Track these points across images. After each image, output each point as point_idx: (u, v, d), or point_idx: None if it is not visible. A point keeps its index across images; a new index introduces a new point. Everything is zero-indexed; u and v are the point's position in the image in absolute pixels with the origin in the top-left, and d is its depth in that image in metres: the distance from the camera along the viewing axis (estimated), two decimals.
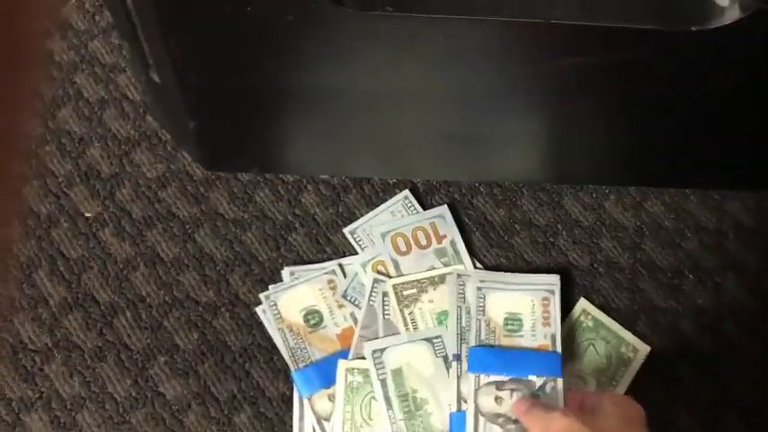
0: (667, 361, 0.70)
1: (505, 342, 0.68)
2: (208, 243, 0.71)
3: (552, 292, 0.70)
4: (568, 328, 0.70)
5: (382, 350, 0.66)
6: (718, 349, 0.71)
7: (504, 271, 0.72)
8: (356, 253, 0.71)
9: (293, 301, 0.68)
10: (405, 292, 0.69)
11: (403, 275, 0.69)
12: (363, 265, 0.70)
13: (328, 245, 0.72)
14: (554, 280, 0.70)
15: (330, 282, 0.69)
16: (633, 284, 0.73)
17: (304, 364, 0.66)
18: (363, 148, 0.67)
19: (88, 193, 0.72)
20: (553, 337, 0.68)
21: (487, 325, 0.68)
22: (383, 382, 0.65)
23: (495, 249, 0.73)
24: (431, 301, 0.69)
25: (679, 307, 0.72)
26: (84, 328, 0.67)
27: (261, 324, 0.68)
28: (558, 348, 0.68)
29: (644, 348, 0.70)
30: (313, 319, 0.68)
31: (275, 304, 0.68)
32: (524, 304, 0.69)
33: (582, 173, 0.75)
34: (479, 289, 0.69)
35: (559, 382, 0.66)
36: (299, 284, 0.69)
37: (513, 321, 0.69)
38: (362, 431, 0.64)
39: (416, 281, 0.69)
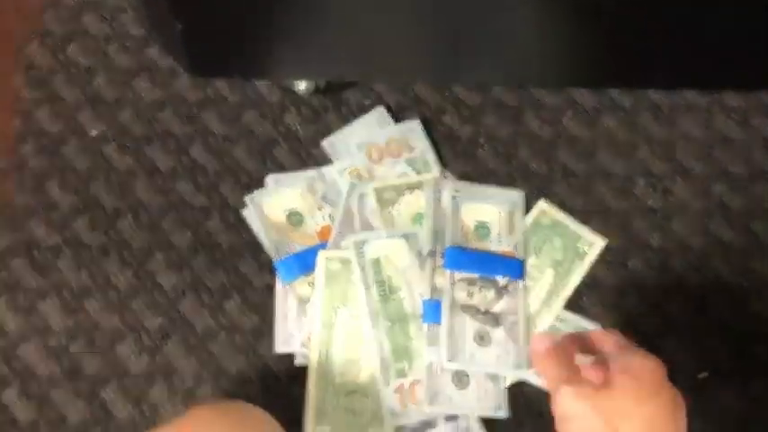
0: (619, 254, 0.77)
1: (475, 245, 0.75)
2: (200, 156, 0.79)
3: (516, 206, 0.77)
4: (528, 226, 0.77)
5: (363, 242, 0.73)
6: (666, 243, 0.78)
7: (471, 180, 0.79)
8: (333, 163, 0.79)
9: (276, 203, 0.76)
10: (384, 195, 0.76)
11: (383, 180, 0.77)
12: (340, 173, 0.77)
13: (309, 158, 0.79)
14: (518, 197, 0.78)
15: (310, 187, 0.77)
16: (587, 189, 0.80)
17: (286, 255, 0.73)
18: (340, 49, 0.73)
19: (94, 116, 0.80)
20: (516, 246, 0.75)
21: (461, 229, 0.75)
22: (363, 270, 0.72)
23: (462, 160, 0.80)
24: (408, 204, 0.76)
25: (630, 208, 0.79)
26: (91, 229, 0.75)
27: (247, 226, 0.76)
28: (521, 255, 0.75)
29: (599, 242, 0.77)
30: (295, 218, 0.75)
31: (260, 205, 0.75)
32: (492, 214, 0.76)
33: (556, 73, 0.80)
34: (454, 198, 0.76)
35: (520, 284, 0.73)
36: (281, 189, 0.77)
37: (482, 228, 0.76)
38: (339, 311, 0.71)
39: (395, 186, 0.76)
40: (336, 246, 0.74)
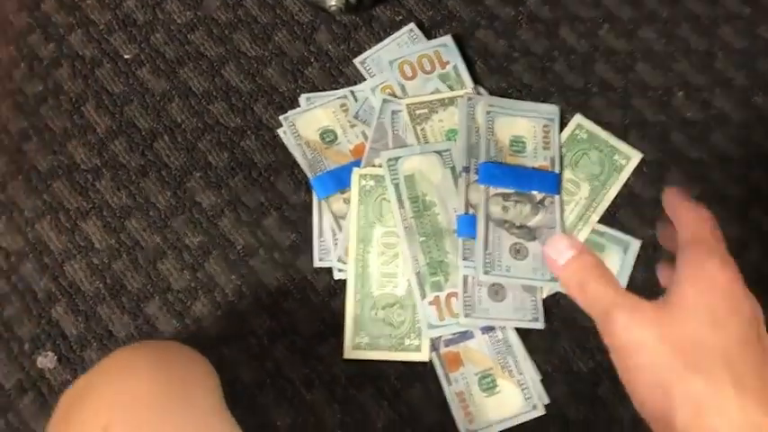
0: (656, 168, 0.76)
1: (510, 160, 0.75)
2: (233, 77, 0.79)
3: (552, 121, 0.76)
4: (564, 140, 0.76)
5: (396, 159, 0.73)
6: (705, 156, 0.76)
7: (505, 95, 0.79)
8: (366, 80, 0.78)
9: (310, 122, 0.76)
10: (417, 111, 0.76)
11: (415, 96, 0.76)
12: (373, 90, 0.77)
13: (341, 76, 0.79)
14: (554, 111, 0.77)
15: (343, 105, 0.77)
16: (625, 102, 0.79)
17: (321, 172, 0.74)
18: None
19: (126, 38, 0.80)
20: (552, 160, 0.75)
21: (495, 144, 0.74)
22: (396, 186, 0.72)
23: (496, 75, 0.79)
24: (440, 121, 0.76)
25: (668, 120, 0.78)
26: (129, 150, 0.76)
27: (283, 145, 0.76)
28: (557, 169, 0.74)
29: (636, 155, 0.76)
30: (328, 137, 0.75)
31: (294, 125, 0.76)
32: (527, 129, 0.76)
33: None
34: (488, 113, 0.75)
35: (556, 198, 0.73)
36: (314, 108, 0.77)
37: (518, 143, 0.75)
38: (374, 226, 0.72)
39: (428, 101, 0.76)
40: (370, 163, 0.74)
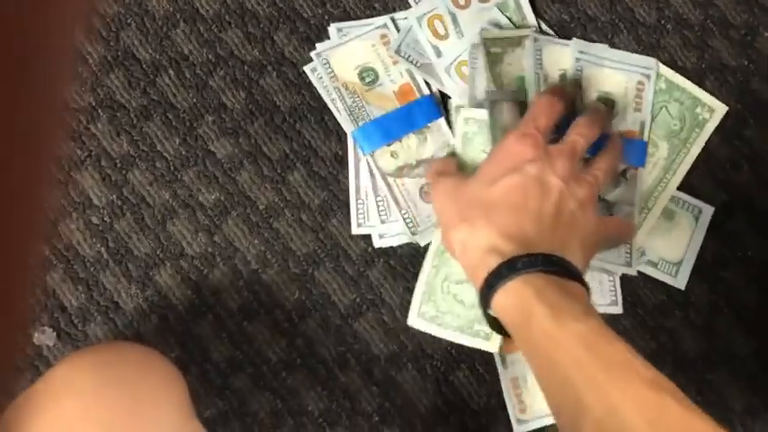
0: (735, 122, 0.67)
1: None
2: None
3: (648, 77, 0.65)
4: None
5: (494, 103, 0.61)
6: None
7: (566, 30, 0.67)
8: (408, 7, 0.66)
9: (346, 58, 0.64)
10: (492, 49, 0.64)
11: (489, 31, 0.64)
12: (419, 20, 0.65)
13: (378, 1, 0.67)
14: (651, 64, 0.65)
15: (383, 37, 0.65)
16: (702, 42, 0.68)
17: (363, 122, 0.63)
18: None
19: None
20: (642, 125, 0.64)
21: (580, 100, 0.63)
22: (503, 132, 0.60)
23: (558, 5, 0.68)
24: (509, 64, 0.64)
25: (751, 66, 0.68)
26: (127, 86, 0.64)
27: (309, 84, 0.65)
28: (646, 137, 0.64)
29: (720, 108, 0.66)
30: (368, 76, 0.64)
31: (328, 62, 0.64)
32: (619, 85, 0.64)
33: None
34: (578, 60, 0.64)
35: (641, 171, 0.63)
36: (350, 41, 0.65)
37: (605, 101, 0.64)
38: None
39: (500, 38, 0.64)
40: (473, 101, 0.62)
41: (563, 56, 0.65)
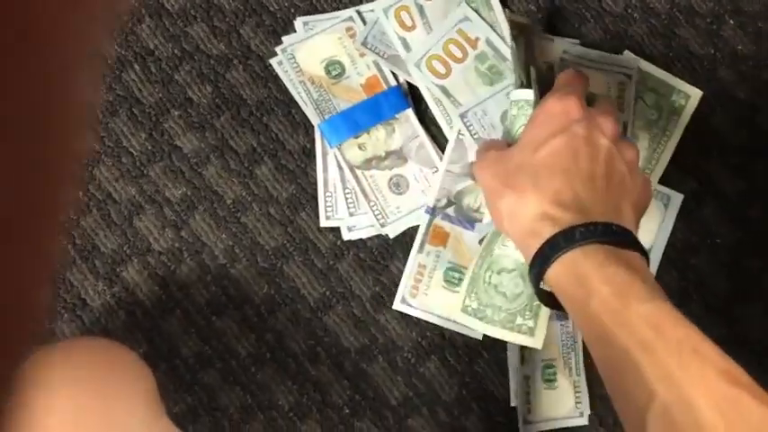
0: (702, 109, 0.67)
1: None
2: None
3: (629, 77, 0.65)
4: None
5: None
6: (756, 97, 0.68)
7: (533, 17, 0.67)
8: None
9: (312, 52, 0.64)
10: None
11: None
12: (386, 11, 0.65)
13: None
14: (632, 63, 0.65)
15: (349, 29, 0.65)
16: (669, 31, 0.68)
17: (329, 115, 0.63)
18: None
19: None
20: (624, 125, 0.64)
21: None
22: None
23: None
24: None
25: (717, 54, 0.68)
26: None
27: (276, 77, 0.65)
28: (629, 136, 0.63)
29: (696, 93, 0.66)
30: (335, 70, 0.64)
31: (293, 57, 0.64)
32: (601, 85, 0.64)
33: None
34: (562, 60, 0.64)
35: None
36: (315, 35, 0.65)
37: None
38: None
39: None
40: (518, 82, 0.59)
41: (546, 49, 0.65)
